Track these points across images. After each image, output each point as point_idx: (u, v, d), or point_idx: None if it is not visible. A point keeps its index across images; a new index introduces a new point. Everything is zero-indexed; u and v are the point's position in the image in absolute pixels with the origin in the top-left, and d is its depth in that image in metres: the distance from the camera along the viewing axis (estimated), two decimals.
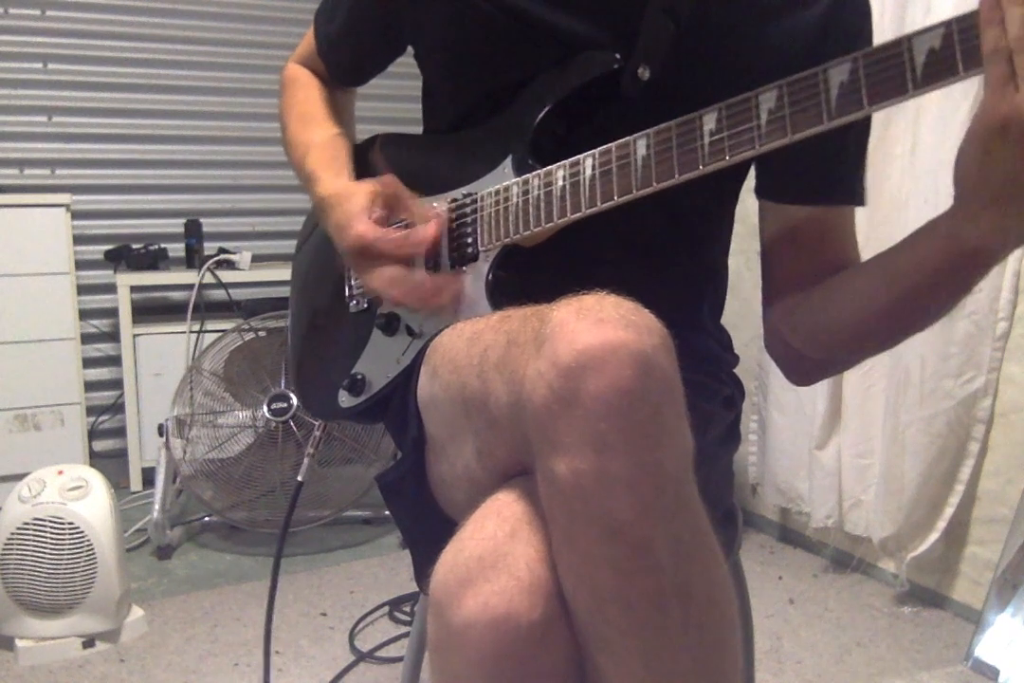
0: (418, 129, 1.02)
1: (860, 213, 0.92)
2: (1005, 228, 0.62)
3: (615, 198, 0.72)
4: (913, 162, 1.77)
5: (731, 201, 0.93)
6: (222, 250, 2.84)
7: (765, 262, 0.90)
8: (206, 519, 2.39)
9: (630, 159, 0.71)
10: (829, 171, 0.84)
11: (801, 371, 0.89)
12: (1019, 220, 0.61)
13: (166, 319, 2.77)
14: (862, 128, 0.87)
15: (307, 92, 1.05)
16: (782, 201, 0.86)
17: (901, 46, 0.58)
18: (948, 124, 1.68)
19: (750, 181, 0.90)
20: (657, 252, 0.88)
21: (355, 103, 1.12)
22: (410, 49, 0.97)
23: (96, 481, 1.78)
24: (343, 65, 1.05)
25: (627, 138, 0.72)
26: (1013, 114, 0.55)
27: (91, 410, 2.81)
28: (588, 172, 0.74)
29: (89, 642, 1.73)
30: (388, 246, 0.82)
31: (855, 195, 0.88)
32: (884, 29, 1.75)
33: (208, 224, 2.89)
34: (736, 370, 0.99)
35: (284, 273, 2.39)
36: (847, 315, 0.79)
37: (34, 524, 1.69)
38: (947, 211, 0.66)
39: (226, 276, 2.73)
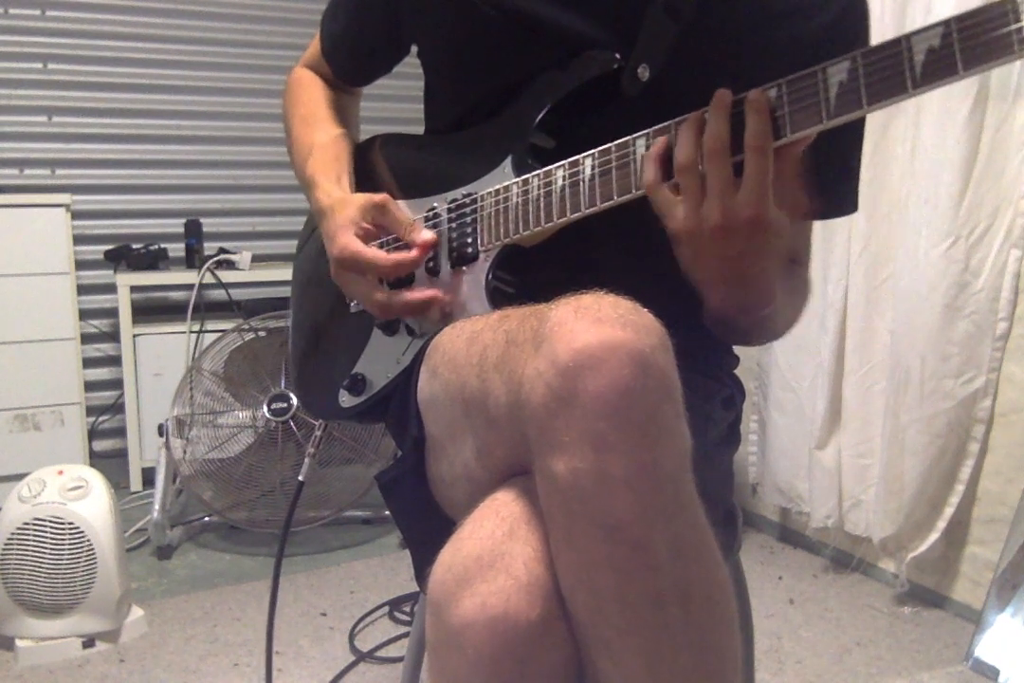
0: (419, 129, 1.02)
1: (860, 213, 0.93)
2: (732, 298, 0.74)
3: (615, 198, 0.72)
4: (913, 162, 1.77)
5: None
6: (222, 250, 2.84)
7: None
8: (206, 519, 2.39)
9: (629, 159, 0.71)
10: (820, 187, 0.84)
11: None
12: (733, 294, 0.74)
13: (166, 319, 2.77)
14: (852, 136, 0.87)
15: (311, 93, 1.06)
16: None
17: (900, 45, 0.57)
18: (948, 124, 1.68)
19: None
20: (657, 252, 0.88)
21: (359, 104, 1.13)
22: (414, 48, 0.97)
23: (96, 481, 1.78)
24: (346, 65, 1.05)
25: (626, 138, 0.72)
26: (682, 230, 0.68)
27: (91, 410, 2.81)
28: (588, 172, 0.74)
29: (89, 642, 1.73)
30: (365, 261, 0.85)
31: (843, 207, 0.89)
32: (884, 29, 1.75)
33: (208, 224, 2.89)
34: (736, 370, 0.99)
35: (284, 273, 2.41)
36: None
37: (34, 524, 1.69)
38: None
39: (226, 276, 2.73)
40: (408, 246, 0.87)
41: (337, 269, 0.88)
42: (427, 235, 0.86)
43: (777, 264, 0.72)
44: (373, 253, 0.85)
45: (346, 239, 0.85)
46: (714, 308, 0.78)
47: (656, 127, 0.70)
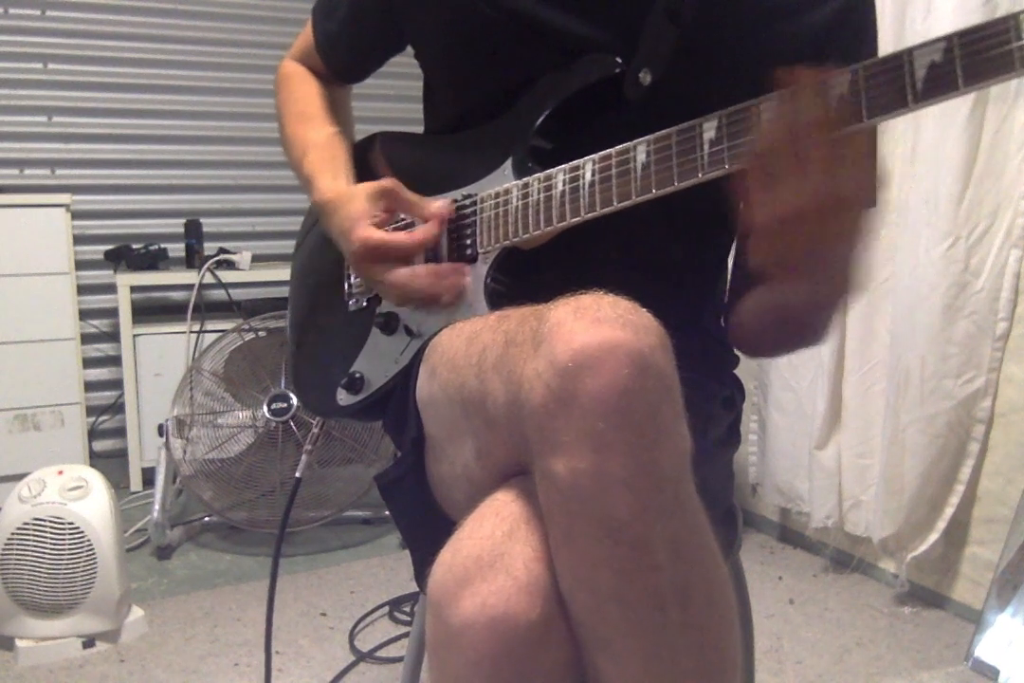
0: (418, 129, 1.02)
1: None
2: (815, 291, 0.72)
3: (614, 203, 0.72)
4: (913, 162, 1.77)
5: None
6: (222, 250, 2.83)
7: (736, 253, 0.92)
8: (206, 519, 2.39)
9: (630, 165, 0.71)
10: None
11: (743, 349, 0.96)
12: (821, 281, 0.71)
13: (166, 319, 2.77)
14: (869, 136, 0.86)
15: (304, 90, 1.06)
16: None
17: (902, 59, 0.58)
18: (948, 124, 1.68)
19: None
20: (656, 254, 0.88)
21: (351, 99, 1.13)
22: (410, 48, 0.97)
23: (96, 481, 1.77)
24: (342, 62, 1.05)
25: (627, 144, 0.72)
26: (776, 217, 0.63)
27: (91, 410, 2.80)
28: (588, 177, 0.74)
29: (89, 642, 1.73)
30: (393, 247, 0.82)
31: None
32: (884, 29, 1.75)
33: (208, 224, 2.89)
34: (736, 370, 0.99)
35: (284, 273, 2.40)
36: (744, 324, 0.88)
37: (34, 524, 1.69)
38: (766, 286, 0.78)
39: (226, 276, 2.73)
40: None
41: (360, 262, 0.85)
42: (439, 204, 0.84)
43: (860, 246, 0.70)
44: (397, 237, 0.83)
45: (364, 231, 0.82)
46: (793, 300, 0.76)
47: (656, 134, 0.70)
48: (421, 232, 0.83)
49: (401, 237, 0.83)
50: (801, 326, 0.81)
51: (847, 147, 0.61)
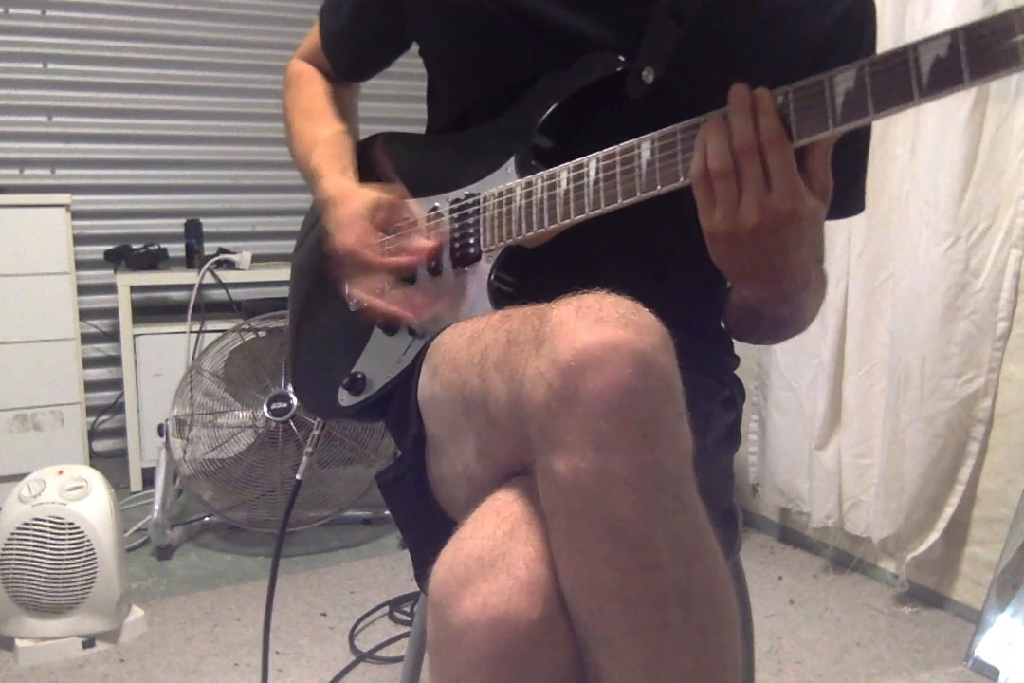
0: (420, 129, 1.02)
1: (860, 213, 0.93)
2: (766, 291, 0.75)
3: (619, 201, 0.73)
4: (913, 162, 1.77)
5: None
6: (222, 250, 2.83)
7: None
8: (206, 519, 2.39)
9: (635, 163, 0.72)
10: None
11: (735, 337, 0.98)
12: (771, 286, 0.74)
13: (166, 319, 2.77)
14: (863, 139, 0.87)
15: (311, 88, 1.06)
16: None
17: (907, 54, 0.58)
18: (948, 124, 1.68)
19: None
20: (660, 253, 0.89)
21: (358, 99, 1.13)
22: (415, 46, 0.97)
23: (96, 481, 1.77)
24: (346, 60, 1.05)
25: (632, 141, 0.72)
26: (720, 231, 0.68)
27: (91, 410, 2.80)
28: (592, 175, 0.74)
29: (89, 642, 1.73)
30: (363, 261, 0.85)
31: (851, 208, 0.89)
32: (884, 28, 1.75)
33: (208, 224, 2.89)
34: (736, 370, 0.99)
35: (284, 273, 2.40)
36: (726, 315, 0.92)
37: (34, 524, 1.69)
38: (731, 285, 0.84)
39: (226, 276, 2.73)
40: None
41: (336, 263, 0.88)
42: (426, 242, 0.86)
43: (813, 251, 0.73)
44: (369, 256, 0.86)
45: (353, 235, 0.85)
46: (752, 300, 0.78)
47: (662, 131, 0.70)
48: (395, 260, 0.86)
49: (373, 258, 0.86)
50: (769, 318, 0.83)
51: (777, 163, 0.64)
